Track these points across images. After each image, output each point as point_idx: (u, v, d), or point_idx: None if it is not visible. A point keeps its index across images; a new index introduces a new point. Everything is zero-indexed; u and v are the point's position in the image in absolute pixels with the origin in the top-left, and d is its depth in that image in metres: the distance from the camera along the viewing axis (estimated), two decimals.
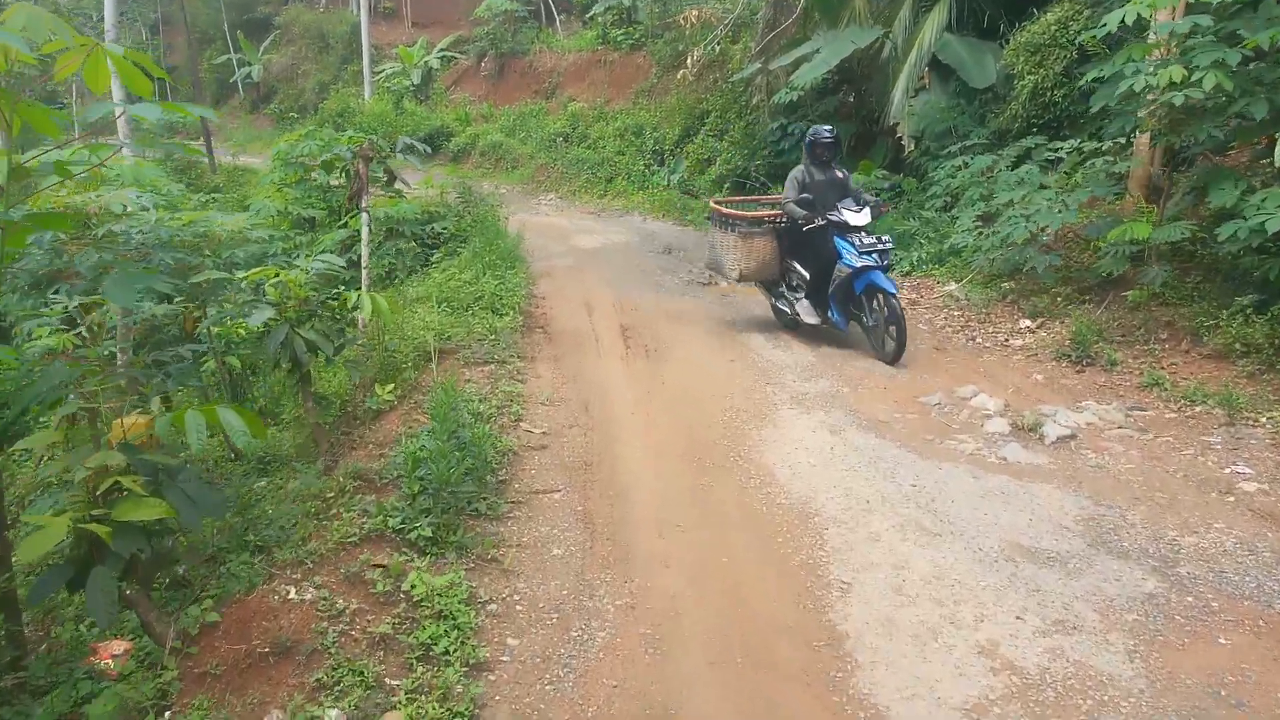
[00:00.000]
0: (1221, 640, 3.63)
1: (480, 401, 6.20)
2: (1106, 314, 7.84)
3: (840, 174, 8.36)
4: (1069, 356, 7.32)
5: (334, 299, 5.99)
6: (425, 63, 28.91)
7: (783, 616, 3.90)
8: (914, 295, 9.91)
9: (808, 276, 8.28)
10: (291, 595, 3.65)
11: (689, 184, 17.71)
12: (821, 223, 7.82)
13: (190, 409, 3.41)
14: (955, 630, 3.76)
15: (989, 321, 8.53)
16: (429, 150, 9.53)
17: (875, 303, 7.66)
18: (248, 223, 7.11)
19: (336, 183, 11.74)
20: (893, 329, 7.48)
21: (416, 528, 4.27)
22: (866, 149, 14.96)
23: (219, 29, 36.80)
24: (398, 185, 13.54)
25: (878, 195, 10.16)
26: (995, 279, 9.56)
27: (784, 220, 8.43)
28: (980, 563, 4.29)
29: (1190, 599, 3.93)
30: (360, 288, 7.86)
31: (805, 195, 8.04)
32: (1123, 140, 8.95)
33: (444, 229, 12.38)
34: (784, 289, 8.70)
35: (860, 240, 7.65)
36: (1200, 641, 3.63)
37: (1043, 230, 8.54)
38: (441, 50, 29.40)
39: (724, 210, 8.84)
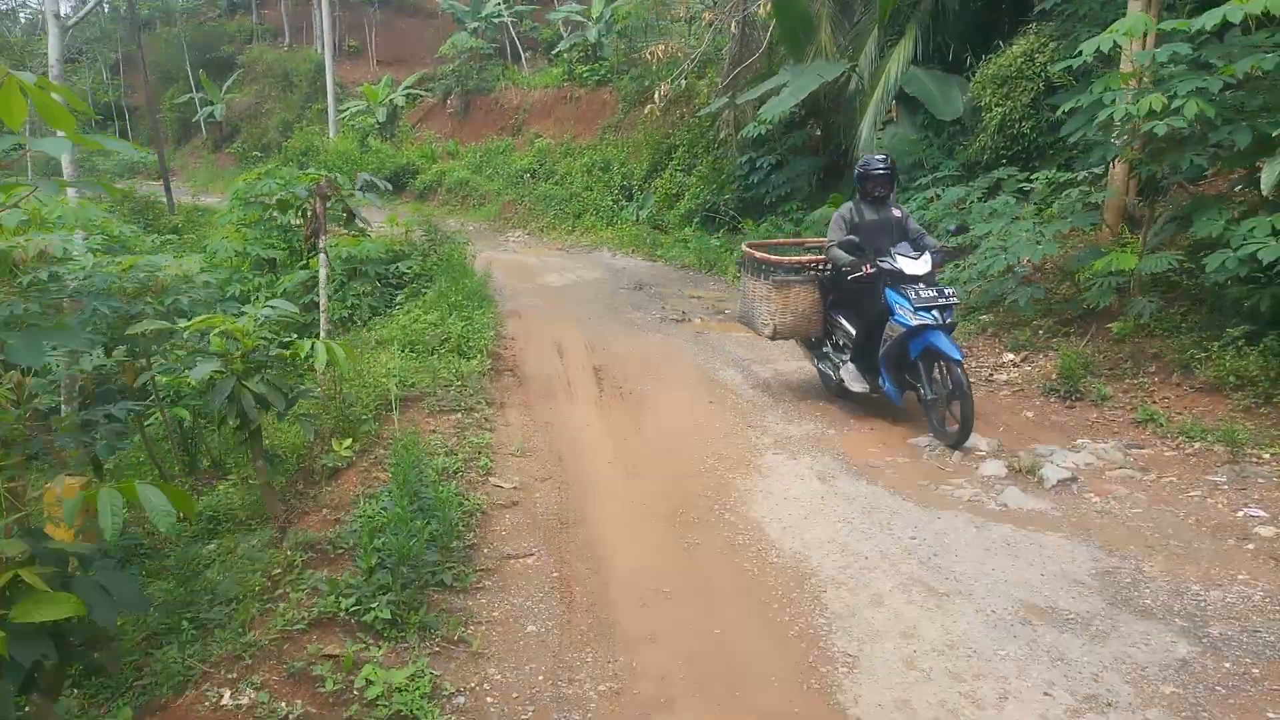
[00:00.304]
0: (1270, 716, 3.26)
1: (446, 455, 5.74)
2: (1091, 347, 7.59)
3: (897, 213, 7.01)
4: (1057, 391, 7.03)
5: (286, 347, 5.52)
6: (390, 100, 28.58)
7: (788, 702, 3.46)
8: None
9: (854, 335, 6.95)
10: (225, 700, 3.14)
11: (658, 218, 17.45)
12: (871, 271, 6.52)
13: (105, 487, 2.92)
14: (979, 712, 3.35)
15: (971, 355, 8.24)
16: (389, 187, 9.07)
17: (935, 371, 6.36)
18: (197, 266, 6.64)
19: (297, 222, 11.27)
20: (956, 405, 6.16)
21: (373, 609, 3.77)
22: (836, 182, 14.81)
23: (181, 68, 36.25)
24: (359, 224, 13.16)
25: (946, 236, 8.53)
26: (973, 311, 9.31)
27: (827, 267, 7.22)
28: (995, 627, 3.90)
29: (1228, 665, 3.57)
30: (319, 333, 7.40)
31: (851, 237, 6.72)
32: (1099, 170, 8.78)
33: (409, 268, 11.94)
34: (828, 349, 7.43)
35: (917, 293, 6.29)
36: (1248, 717, 3.26)
37: (1022, 262, 8.31)
38: (407, 88, 29.10)
39: (758, 254, 7.52)
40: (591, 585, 4.42)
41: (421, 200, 23.94)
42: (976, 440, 6.11)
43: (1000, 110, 11.25)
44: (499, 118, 25.73)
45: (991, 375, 7.71)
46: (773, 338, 7.52)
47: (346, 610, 3.79)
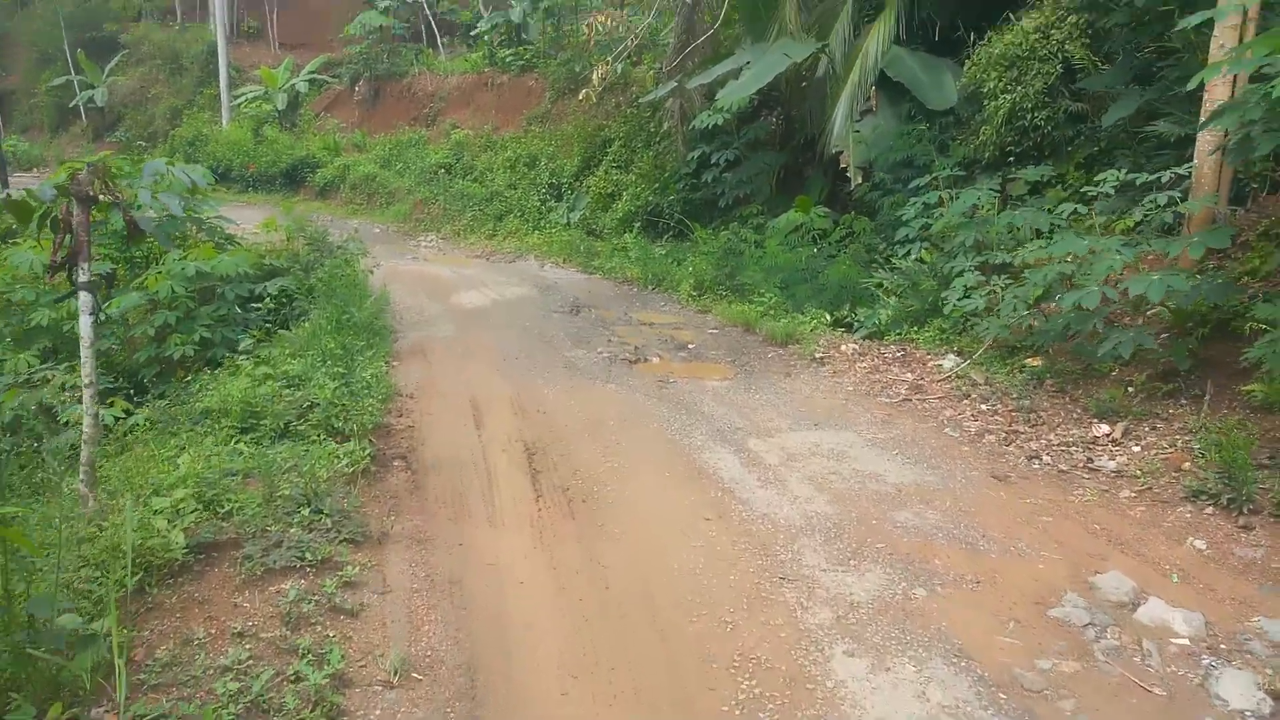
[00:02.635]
0: None
1: (248, 705, 2.84)
2: (1214, 417, 5.19)
3: None
4: (1213, 497, 4.56)
5: None
6: (291, 86, 24.76)
7: None
8: (905, 372, 7.08)
9: None
10: None
11: (592, 222, 14.61)
12: None
13: None
14: None
15: (1041, 423, 5.74)
16: (207, 181, 5.95)
17: None
18: None
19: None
20: None
21: None
22: (799, 183, 12.26)
23: (58, 48, 31.31)
24: (227, 227, 9.95)
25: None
26: (1016, 352, 6.86)
27: None
28: None
29: None
30: (83, 412, 4.35)
31: None
32: (1182, 172, 6.40)
33: (283, 290, 8.84)
34: None
35: None
36: None
37: (1119, 294, 5.84)
38: (310, 73, 25.31)
39: None
40: None
41: (322, 198, 20.46)
42: (1162, 612, 3.56)
43: (1008, 98, 8.84)
44: (412, 106, 22.33)
45: (1089, 459, 5.20)
46: None
47: None
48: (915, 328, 8.19)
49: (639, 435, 5.80)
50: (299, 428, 5.35)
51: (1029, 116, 8.84)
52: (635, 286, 11.40)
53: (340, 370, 6.25)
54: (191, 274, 7.62)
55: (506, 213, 15.95)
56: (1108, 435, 5.45)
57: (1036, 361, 6.62)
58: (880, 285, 9.03)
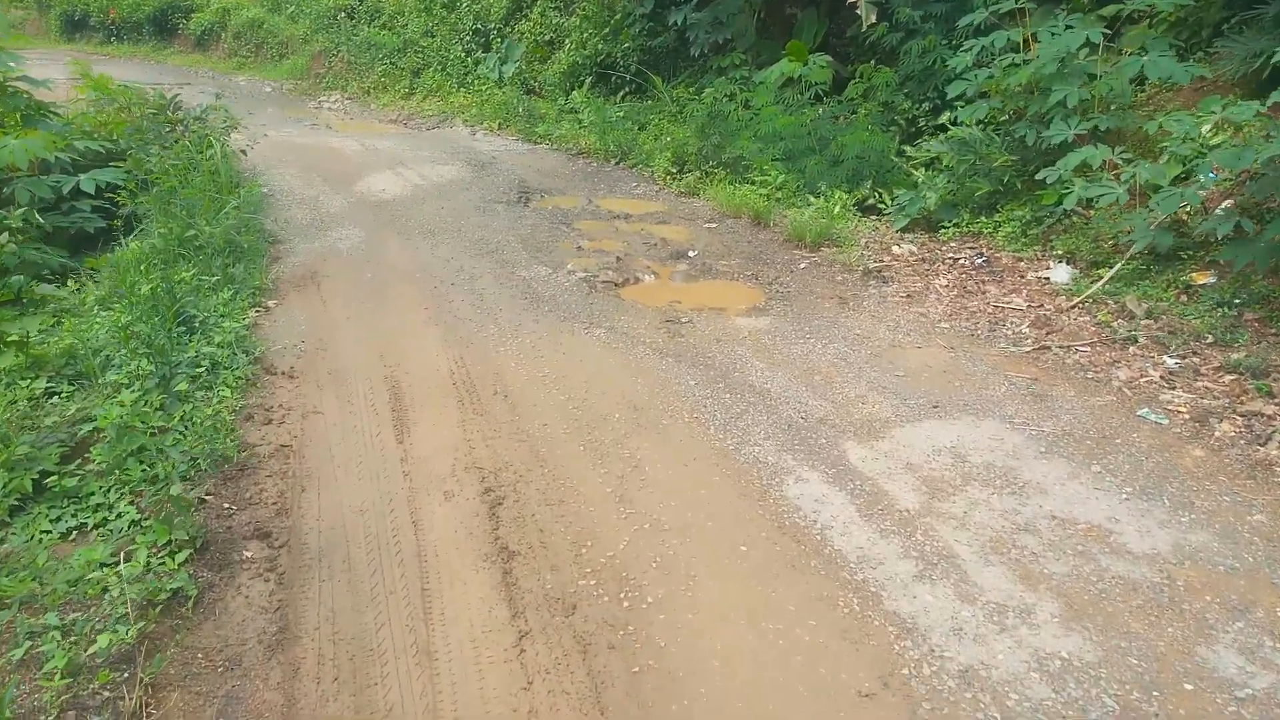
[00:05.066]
0: None
1: None
2: None
3: None
4: None
5: None
6: None
7: None
8: (1008, 293, 4.74)
9: None
10: None
11: (530, 77, 11.37)
12: None
13: None
14: None
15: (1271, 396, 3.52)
16: (10, 25, 2.99)
17: None
18: None
19: None
20: None
21: None
22: (785, 25, 9.30)
23: None
24: (37, 92, 6.61)
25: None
26: (1169, 262, 4.55)
27: None
28: None
29: None
30: None
31: None
32: None
33: (119, 182, 5.77)
34: None
35: None
36: None
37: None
38: None
39: None
40: None
41: (201, 50, 16.20)
42: None
43: None
44: None
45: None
46: None
47: None
48: (979, 217, 5.80)
49: (668, 444, 3.35)
50: (61, 487, 2.73)
51: None
52: (594, 161, 8.55)
53: (161, 343, 3.52)
54: None
55: (424, 66, 12.45)
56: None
57: (1204, 277, 4.34)
58: (916, 159, 6.52)
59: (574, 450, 3.32)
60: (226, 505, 2.94)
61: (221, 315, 4.27)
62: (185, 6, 16.89)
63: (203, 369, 3.66)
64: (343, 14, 14.57)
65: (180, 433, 3.12)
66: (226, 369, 3.76)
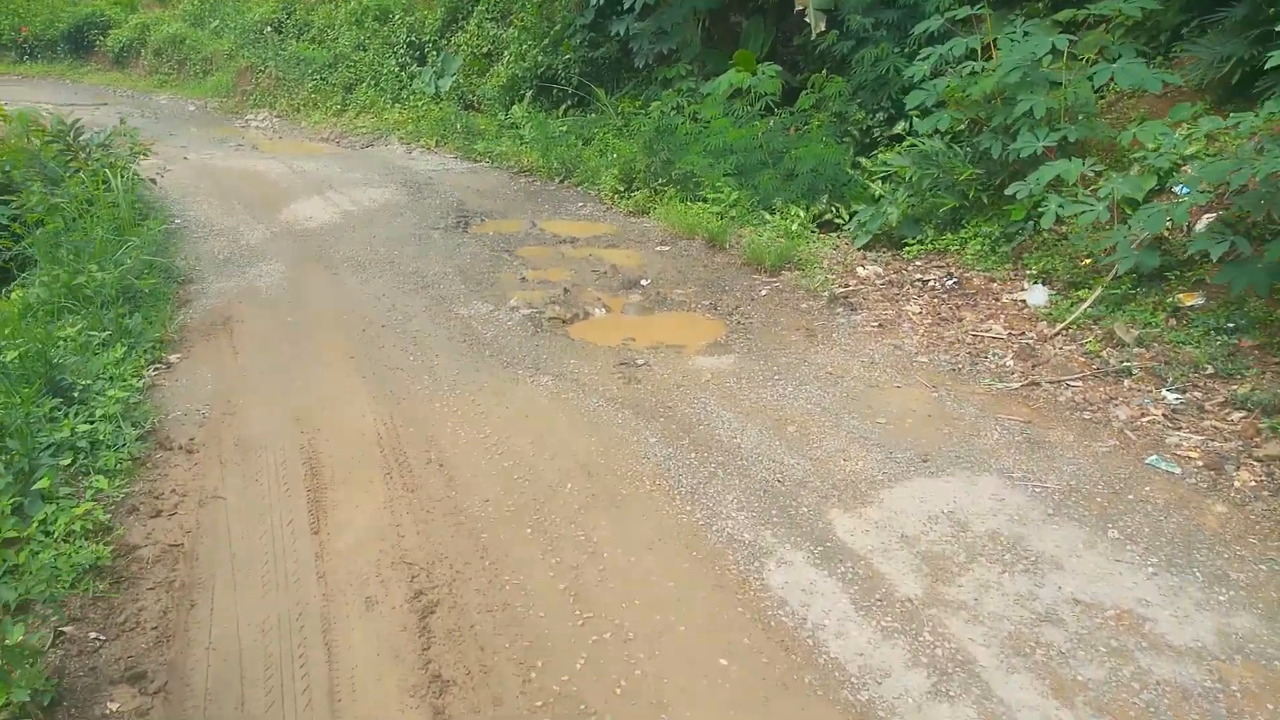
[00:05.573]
0: None
1: None
2: None
3: None
4: None
5: None
6: None
7: None
8: (985, 319, 4.40)
9: None
10: None
11: (467, 92, 10.79)
12: None
13: None
14: None
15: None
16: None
17: None
18: None
19: None
20: None
21: None
22: (731, 35, 8.92)
23: None
24: None
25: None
26: (1152, 283, 4.23)
27: None
28: None
29: None
30: None
31: None
32: None
33: (15, 215, 5.07)
34: None
35: None
36: None
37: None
38: None
39: None
40: None
41: (120, 67, 15.20)
42: None
43: None
44: None
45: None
46: None
47: None
48: (943, 233, 5.47)
49: (628, 521, 2.87)
50: None
51: None
52: (537, 179, 8.04)
53: (19, 426, 2.90)
54: None
55: (357, 81, 11.77)
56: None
57: (1192, 298, 4.04)
58: (874, 172, 6.18)
59: (520, 534, 2.82)
60: (94, 635, 2.37)
61: (111, 379, 3.66)
62: (102, 23, 15.83)
63: (79, 451, 3.06)
64: (270, 28, 13.77)
65: (40, 542, 2.53)
66: (109, 449, 3.16)
